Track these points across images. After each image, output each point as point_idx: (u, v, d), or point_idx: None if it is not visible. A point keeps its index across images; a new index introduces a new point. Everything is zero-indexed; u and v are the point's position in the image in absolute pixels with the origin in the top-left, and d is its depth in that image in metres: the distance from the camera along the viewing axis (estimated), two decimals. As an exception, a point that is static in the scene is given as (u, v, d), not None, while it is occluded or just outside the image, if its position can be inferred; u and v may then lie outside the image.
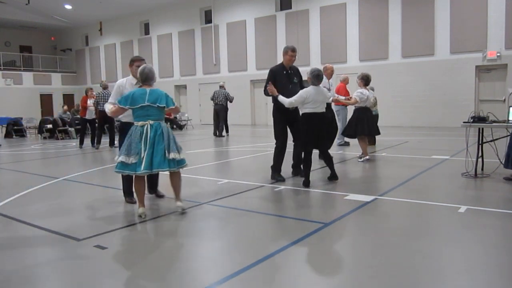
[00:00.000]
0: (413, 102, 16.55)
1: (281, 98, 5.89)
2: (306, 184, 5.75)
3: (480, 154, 6.19)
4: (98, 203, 5.26)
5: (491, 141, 6.32)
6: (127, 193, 5.17)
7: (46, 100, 27.88)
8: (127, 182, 5.08)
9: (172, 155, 4.33)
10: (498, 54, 14.75)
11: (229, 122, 14.97)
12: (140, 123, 4.33)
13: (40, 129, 16.68)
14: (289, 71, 6.29)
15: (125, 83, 5.08)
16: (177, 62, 23.97)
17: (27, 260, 3.35)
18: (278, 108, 6.20)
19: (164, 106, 4.42)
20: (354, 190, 5.47)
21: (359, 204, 4.75)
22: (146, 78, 4.46)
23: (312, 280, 2.88)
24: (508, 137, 5.76)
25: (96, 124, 12.10)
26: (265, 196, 5.38)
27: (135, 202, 4.91)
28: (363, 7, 17.50)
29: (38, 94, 27.50)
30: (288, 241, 3.57)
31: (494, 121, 6.02)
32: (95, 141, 11.87)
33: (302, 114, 5.89)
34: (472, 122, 6.08)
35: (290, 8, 19.69)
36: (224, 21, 21.82)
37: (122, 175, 4.91)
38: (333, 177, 6.07)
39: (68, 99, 27.75)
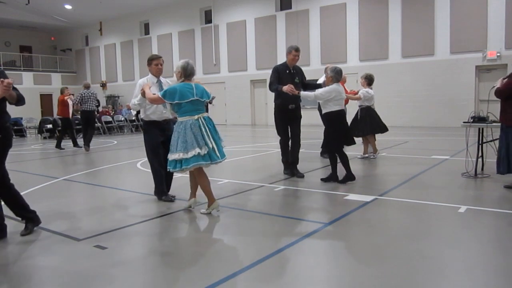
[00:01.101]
0: (413, 102, 16.55)
1: (304, 93, 6.02)
2: (336, 178, 5.93)
3: (480, 154, 6.19)
4: (98, 203, 5.26)
5: (491, 141, 6.32)
6: (162, 192, 5.12)
7: (46, 100, 27.87)
8: (161, 180, 5.08)
9: (223, 144, 4.55)
10: (498, 54, 14.75)
11: (228, 122, 14.99)
12: (195, 116, 4.33)
13: (40, 129, 16.68)
14: (292, 71, 6.36)
15: (148, 82, 5.01)
16: (177, 62, 23.94)
17: (27, 260, 3.35)
18: (279, 107, 6.22)
19: (205, 101, 4.53)
20: (354, 190, 5.47)
21: (359, 204, 4.75)
22: (190, 73, 4.54)
23: (312, 280, 2.88)
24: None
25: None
26: (265, 196, 5.39)
27: (172, 200, 5.04)
28: (363, 7, 17.50)
29: (38, 94, 27.48)
30: (288, 241, 3.57)
31: (494, 121, 6.01)
32: (84, 142, 11.42)
33: (328, 113, 5.91)
34: (472, 122, 6.08)
35: (290, 8, 19.69)
36: (224, 21, 21.82)
37: (156, 175, 5.05)
38: (349, 178, 5.94)
39: (68, 99, 27.72)
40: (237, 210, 4.72)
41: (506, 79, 5.37)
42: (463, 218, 4.21)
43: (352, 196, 5.13)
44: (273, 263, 3.14)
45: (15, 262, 3.30)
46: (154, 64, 5.17)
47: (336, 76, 5.88)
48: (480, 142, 6.21)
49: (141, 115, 5.37)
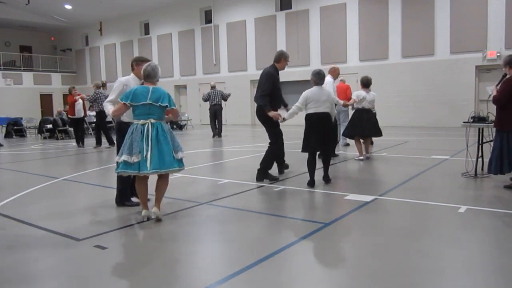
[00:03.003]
0: (413, 102, 16.55)
1: (288, 115, 5.91)
2: (311, 184, 5.70)
3: (480, 154, 6.19)
4: (98, 203, 5.26)
5: (491, 141, 6.31)
6: (126, 195, 4.97)
7: (46, 100, 27.88)
8: (124, 184, 4.90)
9: (179, 155, 4.25)
10: (498, 54, 14.75)
11: (228, 122, 14.98)
12: (141, 121, 4.17)
13: (40, 129, 16.68)
14: (278, 76, 6.39)
15: (130, 82, 4.84)
16: (177, 62, 23.98)
17: (27, 260, 3.35)
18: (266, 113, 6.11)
19: (166, 106, 4.24)
20: (354, 190, 5.47)
21: (359, 204, 4.75)
22: (147, 75, 4.28)
23: (312, 280, 2.88)
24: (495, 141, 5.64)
25: (93, 124, 12.20)
26: (265, 196, 5.39)
27: (137, 205, 4.78)
28: (363, 7, 17.50)
29: (38, 94, 27.49)
30: (288, 241, 3.57)
31: (494, 121, 6.00)
32: (96, 142, 11.93)
33: (305, 115, 5.80)
34: (472, 122, 6.08)
35: (290, 8, 19.69)
36: (224, 21, 21.82)
37: (119, 177, 4.79)
38: (324, 178, 5.94)
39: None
40: (237, 210, 4.72)
41: (499, 85, 5.36)
42: (463, 218, 4.21)
43: (352, 196, 5.12)
44: (273, 263, 3.14)
45: (14, 262, 3.30)
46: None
47: (315, 78, 5.78)
48: (480, 142, 6.21)
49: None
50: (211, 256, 3.43)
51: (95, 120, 12.67)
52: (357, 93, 8.03)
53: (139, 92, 4.20)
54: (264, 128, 6.32)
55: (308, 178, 5.77)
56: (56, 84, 28.61)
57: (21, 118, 19.22)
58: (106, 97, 12.01)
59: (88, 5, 23.68)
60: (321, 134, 5.69)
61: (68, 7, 24.05)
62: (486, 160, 6.41)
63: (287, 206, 5.00)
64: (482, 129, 6.24)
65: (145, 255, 3.48)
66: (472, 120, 6.09)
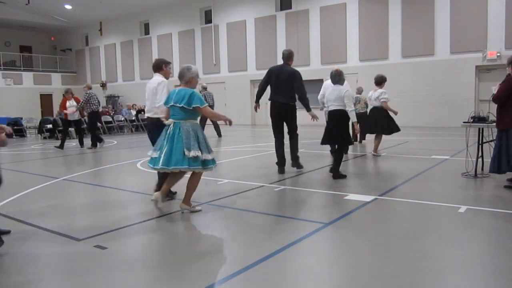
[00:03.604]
0: (413, 102, 16.54)
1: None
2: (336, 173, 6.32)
3: (480, 154, 6.19)
4: (98, 203, 5.26)
5: (491, 141, 6.32)
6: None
7: (46, 100, 27.87)
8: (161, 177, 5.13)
9: (192, 153, 4.29)
10: (498, 54, 14.75)
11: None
12: (169, 121, 4.50)
13: (40, 129, 16.68)
14: None
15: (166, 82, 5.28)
16: (177, 62, 23.94)
17: (26, 260, 3.35)
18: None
19: (183, 106, 4.37)
20: (354, 190, 5.47)
21: (359, 204, 4.75)
22: (178, 77, 4.60)
23: (312, 280, 2.88)
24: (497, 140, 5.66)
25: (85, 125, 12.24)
26: (265, 196, 5.38)
27: (171, 198, 5.15)
28: (363, 7, 17.50)
29: (38, 94, 27.49)
30: (288, 241, 3.57)
31: (494, 121, 6.01)
32: (92, 142, 11.78)
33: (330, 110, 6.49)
34: (472, 122, 6.08)
35: (290, 8, 19.69)
36: (224, 21, 21.82)
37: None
38: (331, 171, 6.39)
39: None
40: (237, 210, 4.72)
41: (501, 84, 5.40)
42: (463, 218, 4.21)
43: (352, 196, 5.12)
44: (273, 263, 3.14)
45: (14, 262, 3.30)
46: (168, 67, 5.39)
47: (331, 78, 6.53)
48: (480, 142, 6.21)
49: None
50: (210, 256, 3.42)
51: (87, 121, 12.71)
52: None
53: (170, 95, 4.58)
54: (268, 128, 6.89)
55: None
56: (56, 84, 28.60)
57: (21, 118, 19.21)
58: (97, 97, 12.00)
59: (88, 5, 23.68)
60: (329, 131, 6.38)
61: (68, 7, 24.06)
62: (486, 160, 6.42)
63: (287, 206, 5.00)
64: (482, 129, 6.24)
65: (145, 255, 3.48)
66: (472, 120, 6.09)
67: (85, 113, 12.14)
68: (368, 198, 5.00)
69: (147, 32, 25.57)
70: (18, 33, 29.15)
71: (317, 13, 18.79)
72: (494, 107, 5.53)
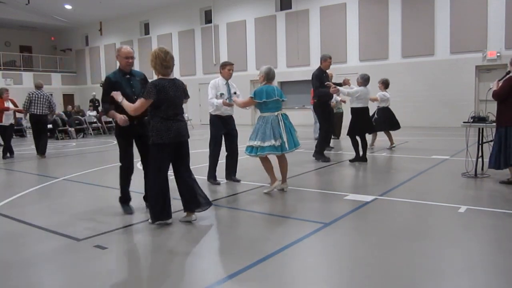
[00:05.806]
0: (413, 102, 16.53)
1: (341, 89, 7.77)
2: (363, 159, 7.60)
3: (480, 154, 6.19)
4: (98, 203, 5.27)
5: (491, 141, 6.31)
6: (214, 176, 6.15)
7: (46, 100, 27.82)
8: (215, 167, 6.22)
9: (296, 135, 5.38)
10: (498, 54, 14.74)
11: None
12: (276, 113, 5.25)
13: (40, 129, 16.60)
14: (324, 74, 8.32)
15: (218, 82, 5.95)
16: (177, 62, 23.91)
17: (26, 260, 3.35)
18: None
19: (283, 100, 5.39)
20: (354, 190, 5.47)
21: (359, 204, 4.75)
22: (272, 77, 5.40)
23: (312, 280, 2.88)
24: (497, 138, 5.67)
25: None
26: (265, 196, 5.38)
27: (219, 184, 6.05)
28: (363, 7, 17.49)
29: (38, 94, 27.45)
30: (288, 241, 3.57)
31: (494, 121, 6.01)
32: (37, 150, 10.22)
33: (353, 107, 7.68)
34: (472, 122, 6.08)
35: (290, 8, 19.68)
36: (224, 21, 21.82)
37: (213, 162, 6.17)
38: (362, 159, 7.58)
39: (68, 99, 27.72)
40: (237, 210, 4.72)
41: (501, 81, 5.42)
42: (463, 218, 4.21)
43: (352, 196, 5.12)
44: (273, 263, 3.14)
45: (14, 263, 3.30)
46: (228, 69, 5.96)
47: (363, 82, 7.78)
48: (480, 142, 6.21)
49: (210, 110, 6.12)
50: (211, 256, 3.43)
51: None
52: (383, 95, 9.72)
53: (270, 91, 5.28)
54: None
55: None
56: (56, 84, 28.58)
57: (21, 118, 19.18)
58: (45, 98, 9.97)
59: (88, 5, 23.67)
60: (365, 123, 7.71)
61: (68, 7, 24.05)
62: (486, 160, 6.42)
63: (287, 206, 5.00)
64: (482, 129, 6.24)
65: (145, 255, 3.48)
66: (472, 120, 6.09)
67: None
68: (368, 198, 5.00)
69: (147, 32, 25.56)
70: (18, 33, 29.14)
71: (317, 13, 18.78)
72: (493, 107, 5.55)
